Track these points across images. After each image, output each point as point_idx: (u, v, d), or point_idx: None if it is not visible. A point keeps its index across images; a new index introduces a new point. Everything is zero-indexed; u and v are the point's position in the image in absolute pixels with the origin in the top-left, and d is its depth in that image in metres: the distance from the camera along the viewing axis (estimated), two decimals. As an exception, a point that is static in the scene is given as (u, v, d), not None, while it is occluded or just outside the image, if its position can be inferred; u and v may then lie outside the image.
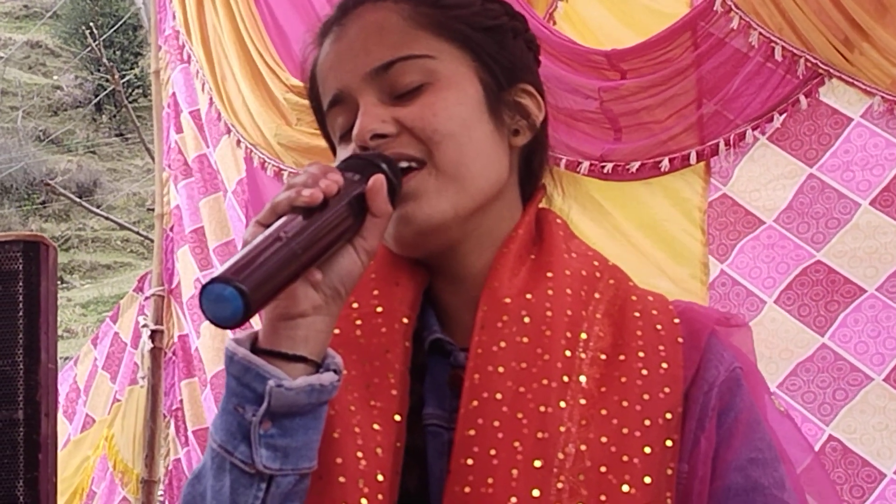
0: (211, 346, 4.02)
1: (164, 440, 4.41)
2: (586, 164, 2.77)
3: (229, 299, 0.91)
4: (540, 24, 2.80)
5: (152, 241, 4.84)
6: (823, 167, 2.76)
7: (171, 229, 4.43)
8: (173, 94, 4.41)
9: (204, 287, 0.92)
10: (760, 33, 2.46)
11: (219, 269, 0.94)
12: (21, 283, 2.21)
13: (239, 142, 3.97)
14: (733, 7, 2.48)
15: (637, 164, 2.70)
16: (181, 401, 4.29)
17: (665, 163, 2.69)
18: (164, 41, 4.51)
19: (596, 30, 3.01)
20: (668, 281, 2.85)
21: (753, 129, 2.61)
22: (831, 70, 2.42)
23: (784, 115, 2.70)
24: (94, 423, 4.95)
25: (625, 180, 2.75)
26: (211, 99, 4.08)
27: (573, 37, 2.97)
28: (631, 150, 2.70)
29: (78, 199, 14.53)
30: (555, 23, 2.94)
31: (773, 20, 2.45)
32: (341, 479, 1.05)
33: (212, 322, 0.92)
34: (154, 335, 4.42)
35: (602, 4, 3.02)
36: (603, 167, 2.75)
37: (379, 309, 1.15)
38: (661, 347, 1.14)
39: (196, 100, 4.30)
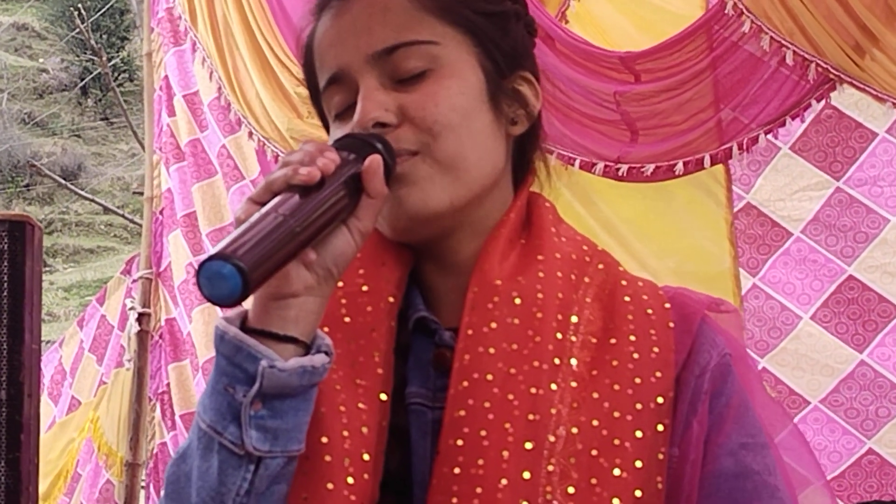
0: (204, 331, 4.00)
1: (149, 423, 4.40)
2: (601, 164, 2.79)
3: (227, 277, 0.89)
4: (552, 24, 2.79)
5: (137, 224, 4.81)
6: (850, 181, 2.81)
7: (161, 212, 4.41)
8: (166, 77, 4.37)
9: (202, 264, 0.91)
10: (772, 37, 2.46)
11: (216, 247, 0.92)
12: (6, 263, 2.22)
13: (251, 134, 3.93)
14: (745, 10, 2.48)
15: (651, 167, 2.73)
16: (168, 384, 4.28)
17: (679, 166, 2.72)
18: (156, 23, 4.47)
19: (608, 30, 3.02)
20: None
21: (766, 133, 2.63)
22: (842, 75, 2.43)
23: (799, 121, 2.74)
24: (79, 406, 4.93)
25: (639, 181, 2.78)
26: (220, 88, 4.04)
27: (585, 37, 2.95)
28: (648, 154, 2.72)
29: (64, 181, 14.47)
30: (567, 22, 2.93)
31: (785, 24, 2.44)
32: (327, 458, 1.04)
33: (208, 300, 0.91)
34: (141, 318, 4.41)
35: (613, 5, 3.02)
36: (618, 169, 2.76)
37: (364, 288, 1.14)
38: (653, 331, 1.14)
39: (190, 83, 4.26)
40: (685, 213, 3.00)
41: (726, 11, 2.55)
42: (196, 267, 0.92)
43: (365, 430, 1.07)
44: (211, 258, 0.90)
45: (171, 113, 4.34)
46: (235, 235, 0.93)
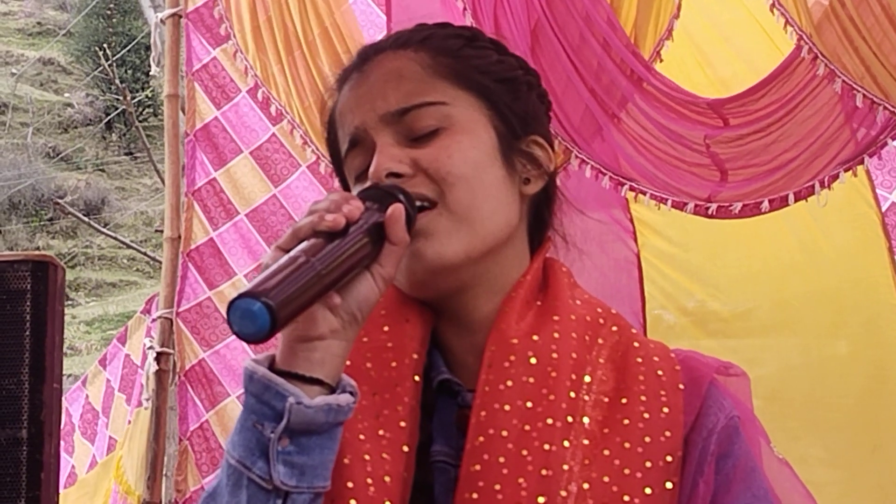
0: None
1: (172, 463, 4.36)
2: (692, 204, 2.89)
3: (257, 315, 0.94)
4: (643, 68, 2.85)
5: (157, 261, 4.73)
6: None
7: (189, 254, 4.38)
8: (206, 124, 4.32)
9: (232, 302, 0.95)
10: (844, 81, 2.53)
11: (247, 286, 0.96)
12: (29, 303, 2.23)
13: None
14: (819, 55, 2.54)
15: (739, 205, 2.82)
16: (206, 421, 4.19)
17: (765, 203, 2.82)
18: (189, 71, 4.35)
19: (708, 60, 3.22)
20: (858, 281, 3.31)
21: (845, 170, 2.74)
22: None
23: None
24: (116, 445, 4.96)
25: (727, 218, 2.89)
26: (318, 158, 3.94)
27: (686, 70, 3.12)
28: (735, 193, 2.83)
29: (85, 218, 14.51)
30: (662, 60, 3.00)
31: (857, 70, 2.49)
32: (352, 503, 1.08)
33: (237, 335, 0.95)
34: (160, 357, 4.38)
35: (712, 35, 3.18)
36: (707, 208, 2.86)
37: (389, 344, 1.18)
38: (663, 392, 1.17)
39: (251, 137, 4.23)
40: (837, 214, 3.28)
41: (802, 55, 2.62)
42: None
43: (388, 479, 1.10)
44: (241, 296, 0.94)
45: (220, 164, 4.29)
46: (265, 276, 0.97)
